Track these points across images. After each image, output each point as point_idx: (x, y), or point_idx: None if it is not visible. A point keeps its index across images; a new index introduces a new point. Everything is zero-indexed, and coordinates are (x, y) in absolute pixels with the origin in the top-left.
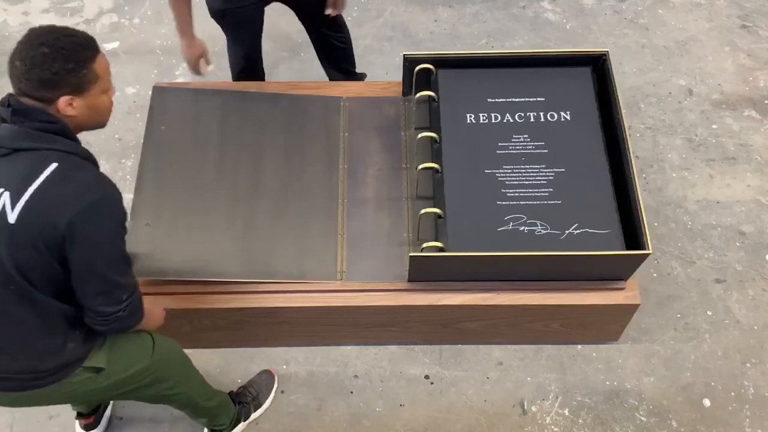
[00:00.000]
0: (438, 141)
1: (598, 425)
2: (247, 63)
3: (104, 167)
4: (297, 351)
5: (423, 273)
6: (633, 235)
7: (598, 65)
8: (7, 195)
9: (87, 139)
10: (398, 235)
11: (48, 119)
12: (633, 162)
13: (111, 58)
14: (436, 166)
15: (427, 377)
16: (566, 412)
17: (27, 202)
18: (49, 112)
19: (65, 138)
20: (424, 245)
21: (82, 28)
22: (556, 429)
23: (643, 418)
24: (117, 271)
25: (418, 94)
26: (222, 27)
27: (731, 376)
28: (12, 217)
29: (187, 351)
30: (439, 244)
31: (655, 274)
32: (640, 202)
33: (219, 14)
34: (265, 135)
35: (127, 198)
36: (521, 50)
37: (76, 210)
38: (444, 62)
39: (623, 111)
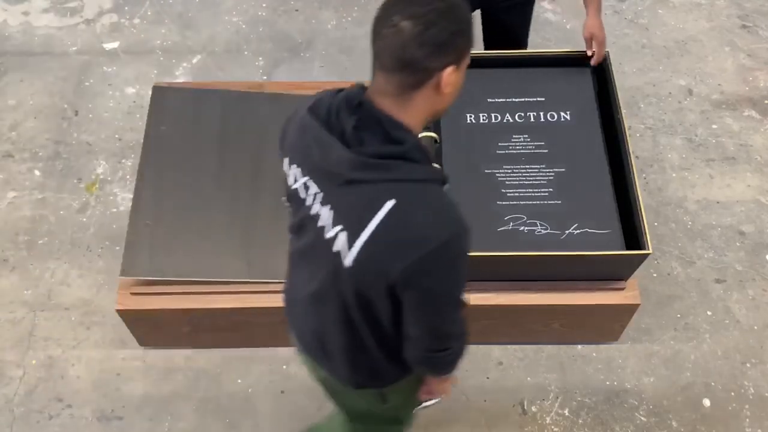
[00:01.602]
0: (438, 141)
1: (598, 425)
2: None
3: (104, 167)
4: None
5: None
6: (633, 235)
7: (598, 65)
8: (344, 236)
9: (87, 139)
10: None
11: (394, 138)
12: (633, 162)
13: (111, 58)
14: (436, 166)
15: None
16: (566, 412)
17: (362, 247)
18: (400, 122)
19: (409, 162)
20: None
21: (82, 28)
22: (556, 429)
23: (643, 418)
24: (447, 320)
25: None
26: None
27: (731, 376)
28: (348, 260)
29: (187, 351)
30: None
31: (655, 274)
32: (640, 202)
33: None
34: (265, 135)
35: (127, 198)
36: (521, 50)
37: (410, 260)
38: None
39: (623, 111)
